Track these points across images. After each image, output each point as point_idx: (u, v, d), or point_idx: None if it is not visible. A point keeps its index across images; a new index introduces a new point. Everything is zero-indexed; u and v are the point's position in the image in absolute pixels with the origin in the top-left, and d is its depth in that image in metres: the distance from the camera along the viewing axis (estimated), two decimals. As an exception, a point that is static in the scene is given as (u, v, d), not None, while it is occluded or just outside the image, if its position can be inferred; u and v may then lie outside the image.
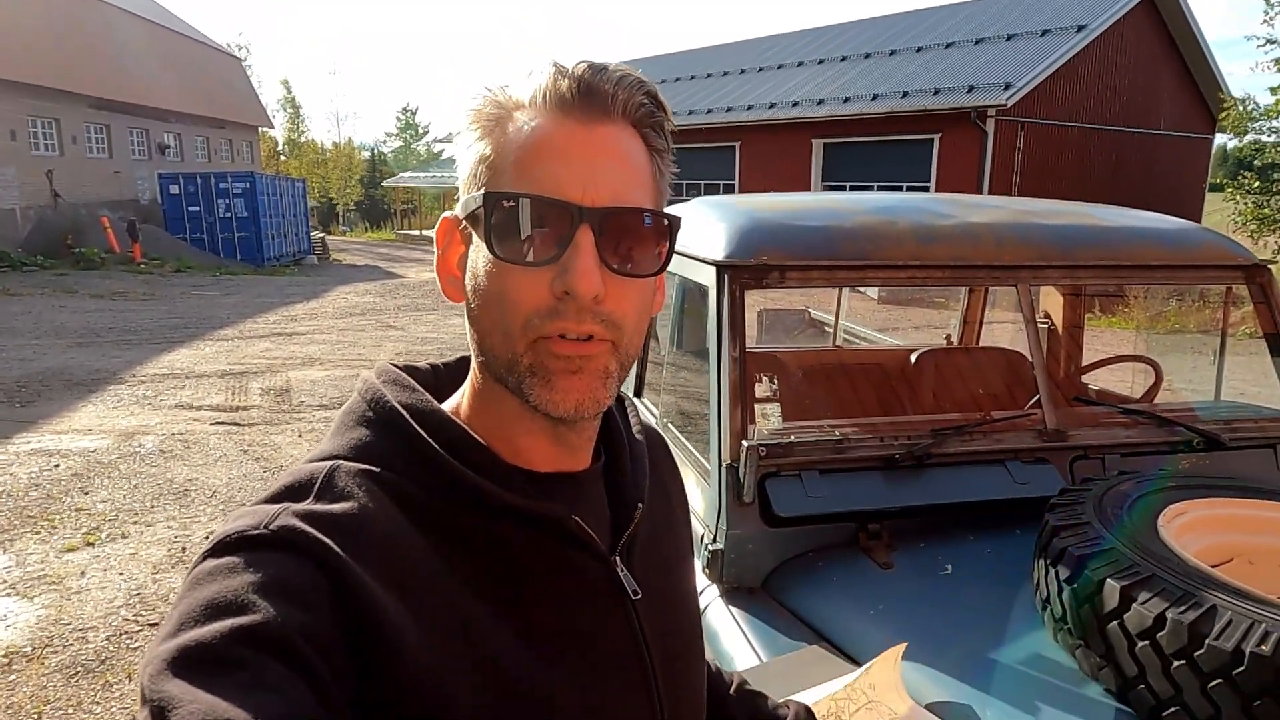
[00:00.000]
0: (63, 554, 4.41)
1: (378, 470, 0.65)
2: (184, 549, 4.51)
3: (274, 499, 0.62)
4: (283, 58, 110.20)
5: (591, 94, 0.65)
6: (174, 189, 21.76)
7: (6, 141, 19.80)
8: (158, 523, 4.87)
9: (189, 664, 0.51)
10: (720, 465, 1.71)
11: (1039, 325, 2.05)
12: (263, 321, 12.32)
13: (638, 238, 0.67)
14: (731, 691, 1.01)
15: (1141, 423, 1.97)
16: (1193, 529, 1.45)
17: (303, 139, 48.87)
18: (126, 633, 3.68)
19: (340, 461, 0.66)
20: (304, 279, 19.42)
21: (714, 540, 1.69)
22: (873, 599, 1.57)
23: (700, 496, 1.81)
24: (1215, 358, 2.37)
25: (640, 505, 0.77)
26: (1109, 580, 1.20)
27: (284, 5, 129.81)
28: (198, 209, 21.71)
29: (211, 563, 0.57)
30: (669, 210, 0.71)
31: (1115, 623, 1.18)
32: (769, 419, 1.75)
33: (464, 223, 0.69)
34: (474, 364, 0.72)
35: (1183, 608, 1.12)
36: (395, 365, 0.76)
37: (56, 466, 5.72)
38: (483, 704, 0.60)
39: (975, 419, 1.90)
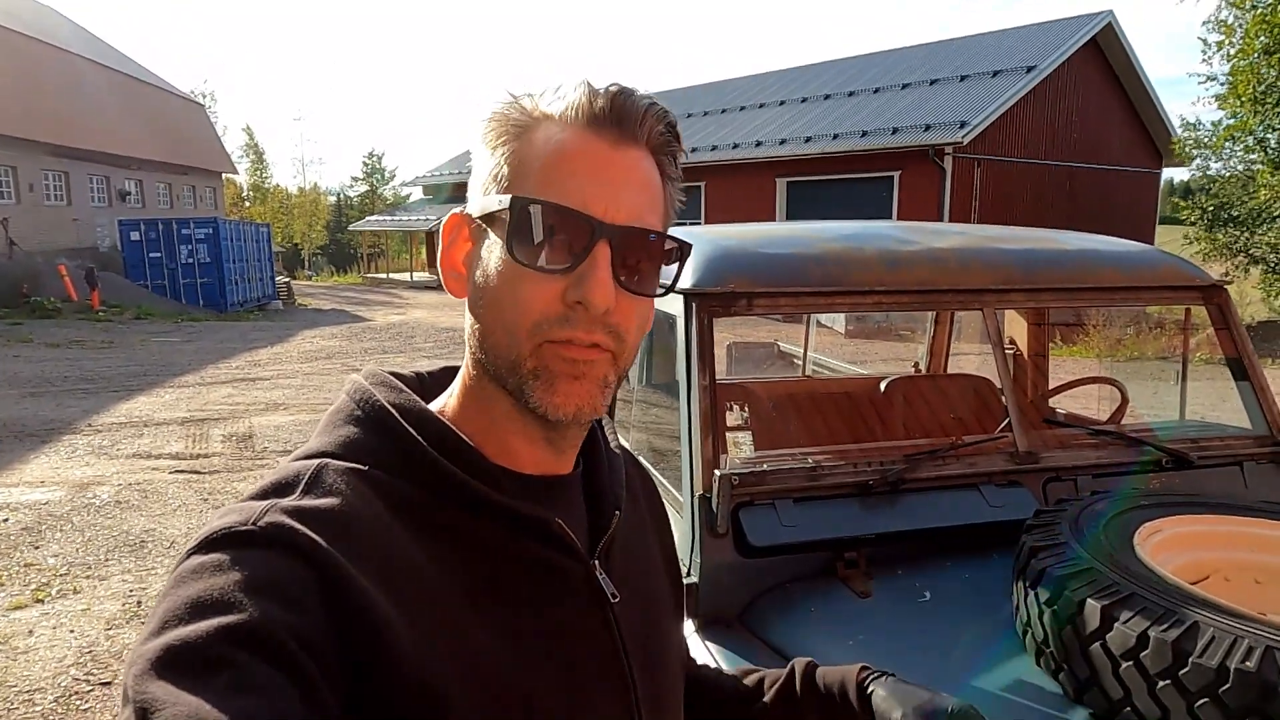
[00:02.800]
0: (9, 612, 4.21)
1: (365, 468, 0.66)
2: (139, 603, 4.33)
3: (261, 495, 0.62)
4: (248, 104, 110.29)
5: (622, 116, 0.67)
6: (135, 235, 21.41)
7: (-40, 190, 19.44)
8: (112, 576, 4.68)
9: (173, 664, 0.50)
10: (692, 496, 1.67)
11: (1005, 350, 2.06)
12: (225, 367, 12.09)
13: (650, 258, 0.69)
14: (736, 684, 0.99)
15: (1111, 443, 1.97)
16: (1168, 546, 1.45)
17: (268, 184, 48.67)
18: (77, 693, 3.51)
19: (328, 459, 0.66)
20: (268, 324, 19.15)
21: (688, 573, 1.65)
22: (851, 629, 1.53)
23: (674, 529, 1.77)
24: (1176, 381, 2.40)
25: (618, 512, 0.78)
26: (1089, 600, 1.18)
27: (249, 52, 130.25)
28: (159, 255, 21.36)
29: (197, 559, 0.56)
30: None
31: (1098, 644, 1.16)
32: (741, 448, 1.72)
33: (477, 220, 0.70)
34: (468, 361, 0.73)
35: (1165, 626, 1.10)
36: (382, 370, 0.76)
37: (5, 520, 5.50)
38: (468, 700, 0.60)
39: (947, 444, 1.89)
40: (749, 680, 0.98)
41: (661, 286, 0.71)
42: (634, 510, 0.86)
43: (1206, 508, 1.53)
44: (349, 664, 0.56)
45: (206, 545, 0.57)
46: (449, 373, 0.79)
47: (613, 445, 0.86)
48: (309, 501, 0.61)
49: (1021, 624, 1.36)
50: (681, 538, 1.72)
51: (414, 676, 0.57)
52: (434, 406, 0.74)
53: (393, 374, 0.77)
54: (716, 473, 1.63)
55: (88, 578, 4.65)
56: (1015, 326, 3.02)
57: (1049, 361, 3.01)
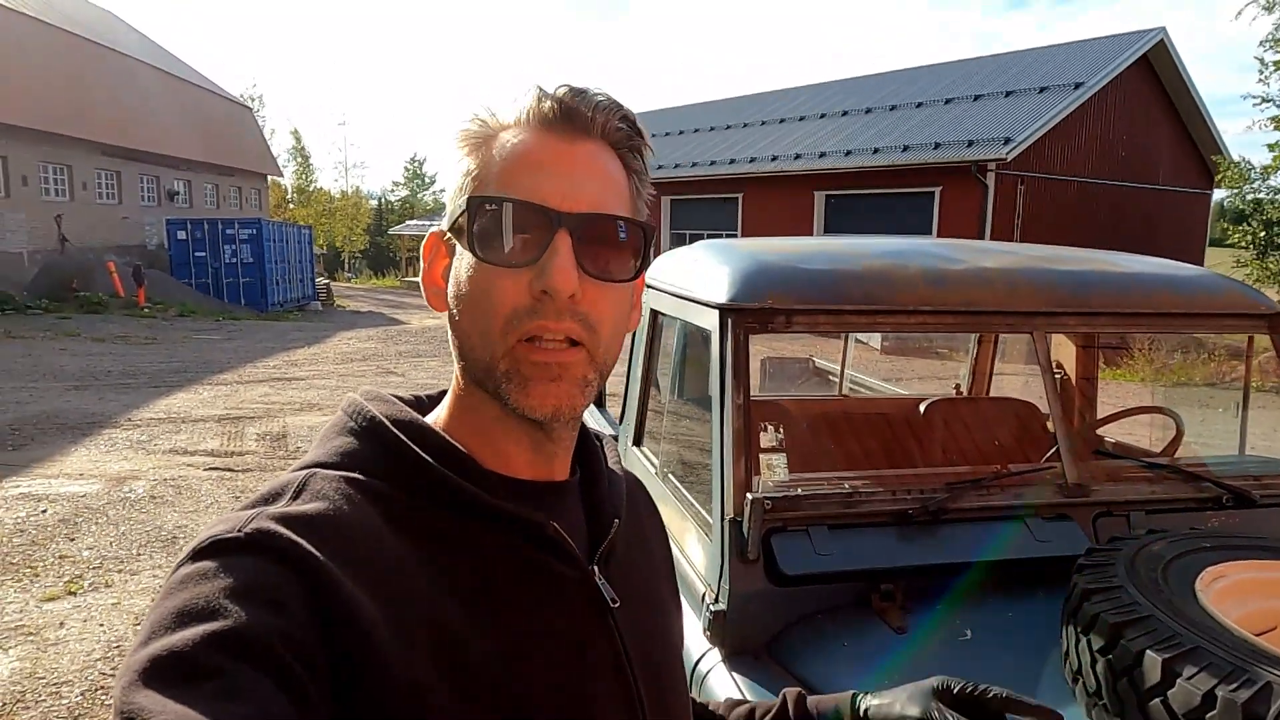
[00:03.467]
0: (43, 603, 4.27)
1: (356, 475, 0.66)
2: (168, 599, 4.36)
3: (250, 505, 0.63)
4: (294, 107, 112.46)
5: (572, 114, 0.69)
6: (181, 234, 21.91)
7: (17, 186, 19.98)
8: (143, 571, 4.73)
9: (160, 673, 0.50)
10: (722, 519, 1.61)
11: (1054, 376, 1.97)
12: (263, 366, 12.27)
13: (613, 244, 0.69)
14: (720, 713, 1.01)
15: (1167, 478, 1.87)
16: (1232, 593, 1.35)
17: (312, 187, 49.52)
18: (103, 688, 3.53)
19: (318, 469, 0.67)
20: (307, 324, 19.44)
21: (715, 600, 1.59)
22: (885, 666, 1.45)
23: (701, 552, 1.71)
24: (1226, 409, 2.28)
25: (618, 520, 0.78)
26: (1149, 652, 1.10)
27: (296, 56, 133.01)
28: (204, 254, 21.83)
29: (185, 569, 0.57)
30: (646, 221, 0.73)
31: (1158, 700, 1.08)
32: (774, 470, 1.66)
33: (448, 235, 0.72)
34: (456, 371, 0.74)
35: (1234, 685, 1.02)
36: (378, 389, 0.78)
37: (44, 511, 5.60)
38: (458, 703, 0.60)
39: (991, 472, 1.80)
40: (738, 713, 0.98)
41: (630, 273, 0.71)
42: (636, 526, 0.85)
43: (1273, 552, 1.43)
44: (337, 667, 0.55)
45: (194, 555, 0.57)
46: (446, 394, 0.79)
47: (612, 464, 0.86)
48: (296, 508, 0.61)
49: (1071, 671, 1.27)
50: (709, 562, 1.66)
51: (403, 679, 0.57)
52: (428, 419, 0.74)
53: (390, 394, 0.78)
54: (749, 496, 1.56)
55: (119, 571, 4.70)
56: (1062, 350, 2.91)
57: (1097, 387, 2.90)
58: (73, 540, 5.12)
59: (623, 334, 0.74)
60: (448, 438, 0.70)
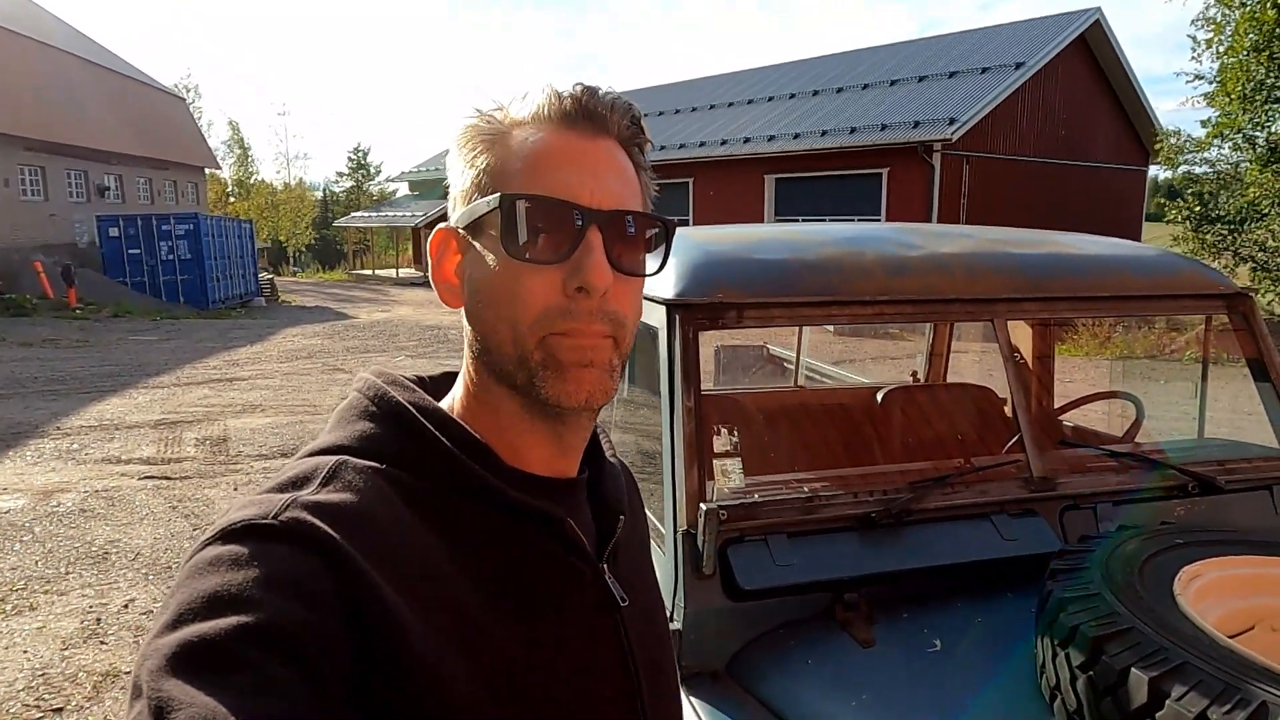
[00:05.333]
0: (-40, 631, 4.00)
1: (383, 465, 0.66)
2: (98, 620, 4.12)
3: (280, 489, 0.62)
4: (232, 98, 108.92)
5: (591, 111, 0.70)
6: (113, 231, 20.99)
7: (-67, 185, 19.00)
8: (71, 591, 4.46)
9: (190, 661, 0.49)
10: (676, 531, 1.50)
11: (1016, 363, 1.89)
12: (202, 367, 11.82)
13: (638, 240, 0.71)
14: None
15: (1131, 466, 1.82)
16: (1210, 593, 1.29)
17: (253, 180, 48.01)
18: (25, 720, 3.30)
19: (346, 455, 0.66)
20: (250, 321, 18.83)
21: (670, 617, 1.48)
22: (853, 683, 1.36)
23: (655, 564, 1.59)
24: (1190, 387, 2.25)
25: (622, 517, 0.78)
26: (1134, 670, 1.02)
27: (232, 46, 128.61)
28: (138, 252, 20.95)
29: (214, 550, 0.56)
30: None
31: (1146, 722, 1.00)
32: (729, 476, 1.55)
33: (463, 231, 0.71)
34: (470, 367, 0.73)
35: (1228, 705, 0.94)
36: (390, 370, 0.76)
37: (-37, 531, 5.27)
38: (481, 700, 0.60)
39: (955, 468, 1.72)
40: None
41: (653, 267, 0.73)
42: (632, 520, 0.85)
43: (1248, 546, 1.37)
44: (365, 663, 0.55)
45: (225, 537, 0.56)
46: (449, 378, 0.79)
47: (609, 455, 0.86)
48: (327, 497, 0.61)
49: (1049, 686, 1.19)
50: (664, 577, 1.54)
51: (431, 672, 0.57)
52: (443, 407, 0.73)
53: (404, 376, 0.77)
54: (703, 506, 1.45)
55: (45, 593, 4.43)
56: (1018, 331, 2.86)
57: (1053, 367, 2.86)
58: (-5, 561, 4.83)
59: (638, 322, 0.75)
60: (470, 430, 0.70)
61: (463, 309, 0.73)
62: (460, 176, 0.72)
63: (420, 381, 0.80)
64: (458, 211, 0.72)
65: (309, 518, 0.58)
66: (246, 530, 0.57)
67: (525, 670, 0.64)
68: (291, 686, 0.50)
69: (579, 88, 0.70)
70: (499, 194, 0.67)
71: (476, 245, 0.70)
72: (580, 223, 0.66)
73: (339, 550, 0.57)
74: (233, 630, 0.51)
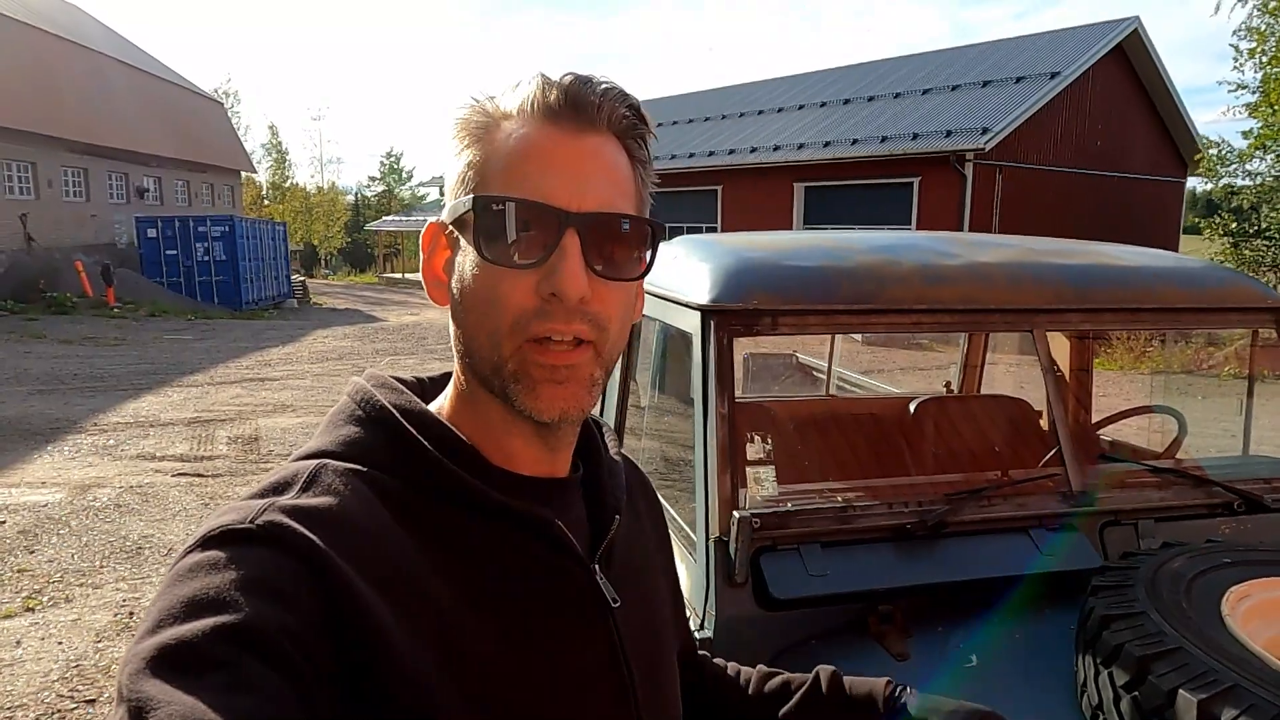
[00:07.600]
0: (-2, 621, 4.09)
1: (364, 468, 0.66)
2: (131, 614, 4.19)
3: (259, 495, 0.62)
4: (270, 102, 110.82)
5: (578, 105, 0.66)
6: (151, 232, 21.44)
7: (-20, 185, 19.51)
8: (106, 584, 4.54)
9: (168, 663, 0.50)
10: (708, 539, 1.49)
11: (1055, 375, 1.86)
12: (235, 367, 12.00)
13: (621, 243, 0.68)
14: (752, 684, 0.98)
15: (1174, 482, 1.77)
16: (1259, 614, 1.25)
17: (288, 184, 48.72)
18: (60, 710, 3.36)
19: (327, 459, 0.66)
20: (282, 323, 19.11)
21: (701, 626, 1.47)
22: (887, 697, 1.34)
23: (685, 574, 1.58)
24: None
25: (618, 516, 0.77)
26: (1183, 691, 0.99)
27: (271, 51, 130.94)
28: (175, 252, 21.37)
29: (194, 558, 0.56)
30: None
31: (1195, 746, 0.97)
32: (762, 484, 1.54)
33: (450, 227, 0.70)
34: (457, 367, 0.73)
35: (1281, 731, 0.91)
36: (383, 373, 0.76)
37: (3, 523, 5.38)
38: (462, 703, 0.60)
39: (992, 480, 1.70)
40: (772, 684, 0.96)
41: (639, 271, 0.70)
42: (634, 516, 0.85)
43: (1299, 567, 1.33)
44: (344, 664, 0.55)
45: (204, 543, 0.57)
46: (449, 377, 0.78)
47: (612, 452, 0.85)
48: (306, 500, 0.61)
49: (1090, 707, 1.16)
50: (694, 585, 1.53)
51: (411, 675, 0.57)
52: (431, 408, 0.73)
53: (394, 378, 0.76)
54: (735, 514, 1.44)
55: (81, 585, 4.52)
56: (1055, 344, 2.81)
57: (1093, 380, 2.81)
58: (32, 553, 4.93)
59: (629, 326, 0.73)
60: (455, 431, 0.69)
61: (449, 307, 0.72)
62: (451, 170, 0.71)
63: (417, 383, 0.80)
64: (447, 207, 0.71)
65: (287, 521, 0.58)
66: (225, 536, 0.57)
67: (507, 670, 0.63)
68: (269, 685, 0.50)
69: (569, 78, 0.67)
70: (474, 196, 0.66)
71: (461, 242, 0.69)
72: (557, 227, 0.64)
73: (317, 553, 0.57)
74: (210, 631, 0.51)
